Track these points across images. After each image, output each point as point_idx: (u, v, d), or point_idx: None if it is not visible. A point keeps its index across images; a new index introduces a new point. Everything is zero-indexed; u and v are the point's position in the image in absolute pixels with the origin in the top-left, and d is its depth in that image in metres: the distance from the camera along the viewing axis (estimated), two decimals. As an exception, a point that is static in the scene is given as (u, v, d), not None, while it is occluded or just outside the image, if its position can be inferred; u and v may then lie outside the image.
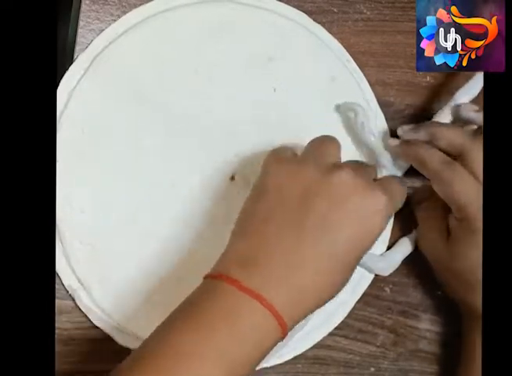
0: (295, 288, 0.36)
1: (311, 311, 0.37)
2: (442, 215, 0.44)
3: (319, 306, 0.37)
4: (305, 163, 0.39)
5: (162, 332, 0.35)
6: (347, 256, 0.37)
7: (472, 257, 0.41)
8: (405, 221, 0.48)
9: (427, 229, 0.46)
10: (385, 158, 0.47)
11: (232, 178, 0.46)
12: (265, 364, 0.45)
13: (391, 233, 0.48)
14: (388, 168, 0.47)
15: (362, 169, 0.39)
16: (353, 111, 0.46)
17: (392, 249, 0.47)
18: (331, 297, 0.38)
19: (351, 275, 0.38)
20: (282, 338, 0.36)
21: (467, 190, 0.41)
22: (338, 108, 0.48)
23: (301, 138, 0.47)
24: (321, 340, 0.46)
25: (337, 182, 0.37)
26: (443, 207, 0.44)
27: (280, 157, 0.41)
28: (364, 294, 0.47)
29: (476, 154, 0.41)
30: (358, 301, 0.47)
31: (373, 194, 0.37)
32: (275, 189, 0.38)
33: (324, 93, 0.48)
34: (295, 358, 0.45)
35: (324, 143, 0.41)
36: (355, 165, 0.39)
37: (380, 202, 0.37)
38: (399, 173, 0.47)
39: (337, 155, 0.40)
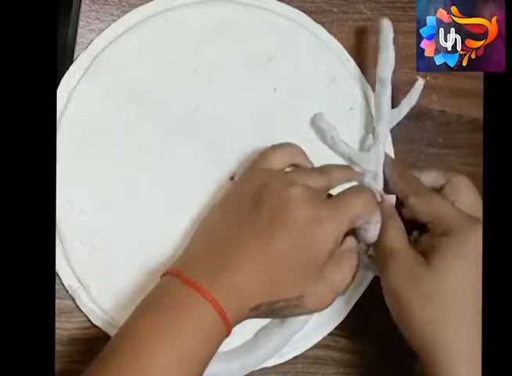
0: (234, 285, 0.37)
1: (257, 311, 0.38)
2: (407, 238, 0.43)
3: (263, 306, 0.38)
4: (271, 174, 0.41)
5: (123, 327, 0.37)
6: (288, 262, 0.38)
7: (454, 279, 0.40)
8: (406, 224, 0.48)
9: (393, 255, 0.42)
10: (363, 163, 0.47)
11: (232, 178, 0.46)
12: (265, 364, 0.45)
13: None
14: (372, 172, 0.46)
15: (313, 189, 0.40)
16: (321, 127, 0.47)
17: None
18: (278, 299, 0.38)
19: (304, 281, 0.39)
20: (226, 334, 0.37)
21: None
22: (312, 122, 0.48)
23: (301, 137, 0.47)
24: (321, 340, 0.46)
25: (289, 197, 0.39)
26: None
27: (259, 163, 0.43)
28: (364, 294, 0.47)
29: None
30: (359, 301, 0.47)
31: (321, 219, 0.39)
32: (235, 193, 0.42)
33: (324, 93, 0.48)
34: (295, 358, 0.46)
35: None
36: (308, 181, 0.40)
37: (329, 224, 0.39)
38: (380, 184, 0.47)
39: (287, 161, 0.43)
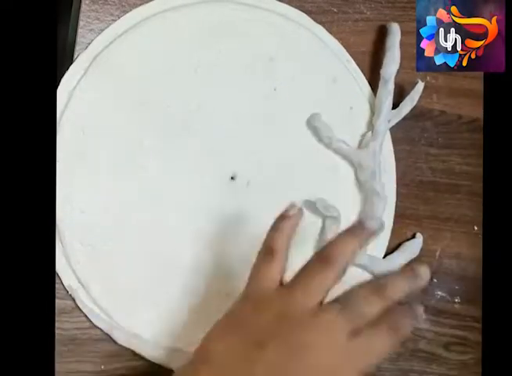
0: None
1: None
2: None
3: None
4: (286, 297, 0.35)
5: None
6: None
7: None
8: (408, 225, 0.48)
9: None
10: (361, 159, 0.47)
11: (232, 178, 0.46)
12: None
13: (393, 236, 0.48)
14: (369, 169, 0.47)
15: (350, 313, 0.34)
16: (317, 127, 0.47)
17: (395, 253, 0.47)
18: None
19: None
20: None
21: None
22: (307, 122, 0.48)
23: (302, 137, 0.47)
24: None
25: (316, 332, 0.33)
26: None
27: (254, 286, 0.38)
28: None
29: None
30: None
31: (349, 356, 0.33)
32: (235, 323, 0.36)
33: (324, 93, 0.48)
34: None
35: (315, 276, 0.36)
36: (342, 305, 0.34)
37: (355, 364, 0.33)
38: (378, 180, 0.47)
39: (326, 289, 0.36)
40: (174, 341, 0.44)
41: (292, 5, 0.49)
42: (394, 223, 0.48)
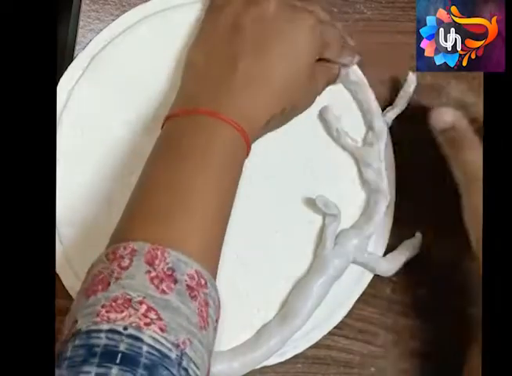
0: (241, 108, 0.39)
1: (267, 122, 0.41)
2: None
3: (270, 112, 0.41)
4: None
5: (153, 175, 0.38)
6: (283, 75, 0.41)
7: None
8: (409, 224, 0.48)
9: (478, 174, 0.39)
10: (370, 158, 0.47)
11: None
12: (265, 363, 0.45)
13: (394, 235, 0.48)
14: (374, 168, 0.47)
15: None
16: (327, 119, 0.47)
17: (395, 251, 0.47)
18: (277, 108, 0.41)
19: (300, 90, 0.43)
20: (247, 153, 0.40)
21: None
22: (319, 114, 0.48)
23: (302, 135, 0.47)
24: (321, 340, 0.46)
25: (261, 11, 0.41)
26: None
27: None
28: (364, 294, 0.47)
29: None
30: (358, 301, 0.47)
31: (300, 15, 0.42)
32: (211, 25, 0.43)
33: (323, 92, 0.48)
34: (295, 357, 0.46)
35: None
36: None
37: (306, 21, 0.42)
38: (383, 179, 0.47)
39: None
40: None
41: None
42: (394, 222, 0.48)
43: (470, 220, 0.41)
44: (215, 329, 0.35)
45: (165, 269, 0.32)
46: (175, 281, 0.32)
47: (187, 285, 0.32)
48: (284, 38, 0.41)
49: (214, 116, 0.38)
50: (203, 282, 0.33)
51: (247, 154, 0.40)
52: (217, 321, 0.35)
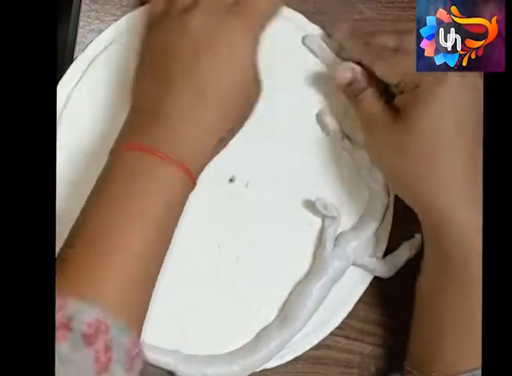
0: (181, 140, 0.37)
1: (215, 146, 0.39)
2: (384, 103, 0.43)
3: (216, 137, 0.39)
4: (164, 15, 0.40)
5: (89, 209, 0.37)
6: (223, 94, 0.39)
7: (429, 126, 0.40)
8: (407, 226, 0.48)
9: (373, 121, 0.43)
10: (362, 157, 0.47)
11: (231, 180, 0.46)
12: (265, 365, 0.45)
13: (393, 237, 0.48)
14: (374, 169, 0.47)
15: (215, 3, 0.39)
16: (324, 121, 0.47)
17: (395, 252, 0.47)
18: (224, 130, 0.39)
19: (240, 105, 0.40)
20: (193, 185, 0.38)
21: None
22: (316, 116, 0.48)
23: (301, 138, 0.47)
24: (321, 340, 0.46)
25: (191, 28, 0.38)
26: (382, 92, 0.43)
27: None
28: (364, 294, 0.47)
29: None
30: (358, 302, 0.47)
31: (229, 22, 0.39)
32: (145, 52, 0.41)
33: (323, 93, 0.48)
34: (295, 358, 0.46)
35: None
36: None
37: (236, 27, 0.39)
38: (379, 178, 0.47)
39: None
40: (172, 342, 0.44)
41: (292, 5, 0.48)
42: (393, 223, 0.48)
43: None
44: (129, 370, 0.34)
45: (63, 319, 0.32)
46: (70, 330, 0.32)
47: (83, 333, 0.32)
48: (215, 53, 0.38)
49: (151, 153, 0.36)
50: (103, 328, 0.33)
51: (193, 187, 0.38)
52: (133, 363, 0.34)
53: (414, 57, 0.40)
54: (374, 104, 0.43)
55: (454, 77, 0.40)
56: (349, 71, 0.44)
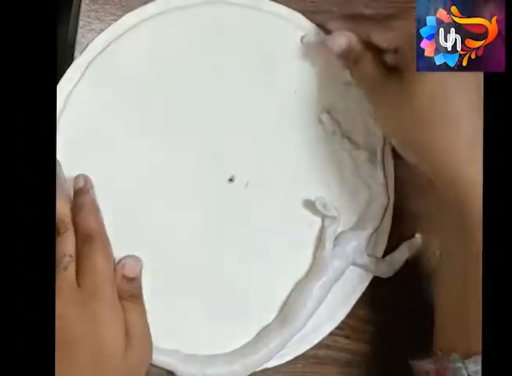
0: None
1: None
2: (384, 65, 0.43)
3: None
4: None
5: None
6: None
7: (437, 82, 0.40)
8: (406, 225, 0.48)
9: (377, 84, 0.43)
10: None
11: (231, 179, 0.46)
12: (265, 365, 0.45)
13: (393, 236, 0.48)
14: (373, 169, 0.47)
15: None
16: (324, 120, 0.47)
17: (395, 252, 0.47)
18: None
19: None
20: None
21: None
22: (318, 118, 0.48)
23: (301, 137, 0.47)
24: (321, 340, 0.46)
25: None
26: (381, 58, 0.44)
27: None
28: (364, 294, 0.47)
29: None
30: (358, 301, 0.47)
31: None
32: None
33: (323, 96, 0.48)
34: (295, 358, 0.46)
35: None
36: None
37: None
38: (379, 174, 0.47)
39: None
40: (173, 342, 0.44)
41: (292, 5, 0.48)
42: (393, 223, 0.48)
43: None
44: None
45: None
46: None
47: None
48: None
49: None
50: None
51: None
52: None
53: (410, 20, 0.40)
54: (375, 67, 0.43)
55: None
56: (344, 38, 0.44)
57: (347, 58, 0.45)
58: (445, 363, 0.38)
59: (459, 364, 0.37)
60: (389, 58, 0.44)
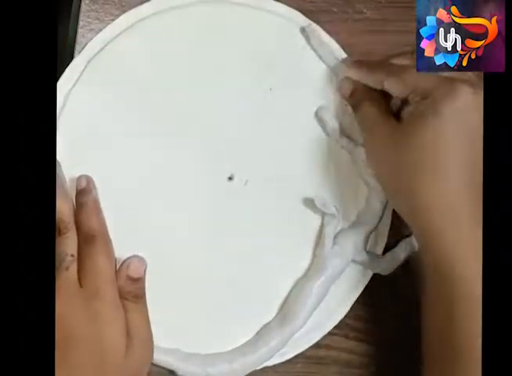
0: None
1: None
2: (387, 111, 0.43)
3: None
4: None
5: None
6: None
7: (431, 140, 0.39)
8: (405, 224, 0.48)
9: (374, 130, 0.43)
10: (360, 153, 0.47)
11: (230, 178, 0.46)
12: (266, 363, 0.45)
13: (393, 234, 0.48)
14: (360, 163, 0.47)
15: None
16: (323, 118, 0.47)
17: (394, 249, 0.47)
18: None
19: None
20: None
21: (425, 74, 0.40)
22: (315, 114, 0.48)
23: (299, 136, 0.47)
24: (321, 340, 0.46)
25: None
26: (386, 102, 0.44)
27: None
28: (364, 293, 0.47)
29: None
30: (358, 301, 0.47)
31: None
32: None
33: (322, 93, 0.48)
34: (295, 358, 0.46)
35: None
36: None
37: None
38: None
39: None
40: (173, 342, 0.44)
41: (292, 5, 0.48)
42: (393, 221, 0.48)
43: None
44: None
45: None
46: None
47: None
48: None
49: None
50: None
51: None
52: None
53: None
54: (374, 109, 0.43)
55: (467, 94, 0.38)
56: (351, 84, 0.45)
57: (351, 101, 0.46)
58: None
59: None
60: (396, 105, 0.44)
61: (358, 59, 0.47)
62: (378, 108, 0.43)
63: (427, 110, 0.39)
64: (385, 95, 0.44)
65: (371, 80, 0.44)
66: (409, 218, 0.41)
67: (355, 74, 0.46)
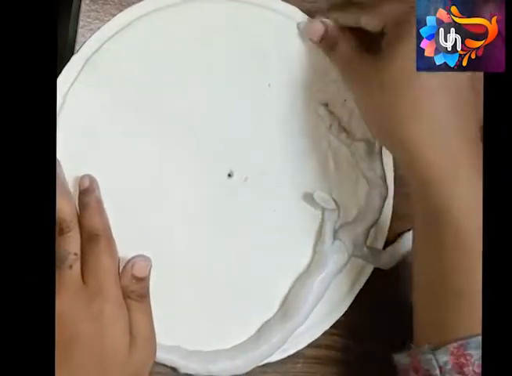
0: None
1: None
2: (362, 49, 0.43)
3: None
4: None
5: None
6: None
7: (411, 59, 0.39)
8: (406, 217, 0.48)
9: (353, 68, 0.43)
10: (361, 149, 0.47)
11: (230, 175, 0.46)
12: (267, 360, 0.45)
13: (392, 228, 0.48)
14: (372, 162, 0.47)
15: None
16: (322, 114, 0.47)
17: (395, 244, 0.47)
18: None
19: None
20: None
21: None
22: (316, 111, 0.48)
23: (299, 133, 0.47)
24: (321, 340, 0.46)
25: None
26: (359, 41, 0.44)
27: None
28: (364, 292, 0.47)
29: None
30: (358, 301, 0.47)
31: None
32: None
33: (320, 90, 0.48)
34: (295, 357, 0.46)
35: None
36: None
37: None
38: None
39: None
40: (174, 339, 0.44)
41: (291, 5, 0.48)
42: (393, 215, 0.48)
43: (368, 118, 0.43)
44: None
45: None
46: None
47: None
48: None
49: None
50: None
51: None
52: None
53: (398, 3, 0.41)
54: (351, 49, 0.43)
55: None
56: (320, 24, 0.45)
57: (326, 44, 0.45)
58: (417, 356, 0.38)
59: (430, 355, 0.37)
60: (375, 40, 0.43)
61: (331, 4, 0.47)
62: (353, 47, 0.44)
63: (404, 33, 0.39)
64: (358, 36, 0.44)
65: (348, 18, 0.44)
66: (397, 146, 0.41)
67: (332, 15, 0.45)
